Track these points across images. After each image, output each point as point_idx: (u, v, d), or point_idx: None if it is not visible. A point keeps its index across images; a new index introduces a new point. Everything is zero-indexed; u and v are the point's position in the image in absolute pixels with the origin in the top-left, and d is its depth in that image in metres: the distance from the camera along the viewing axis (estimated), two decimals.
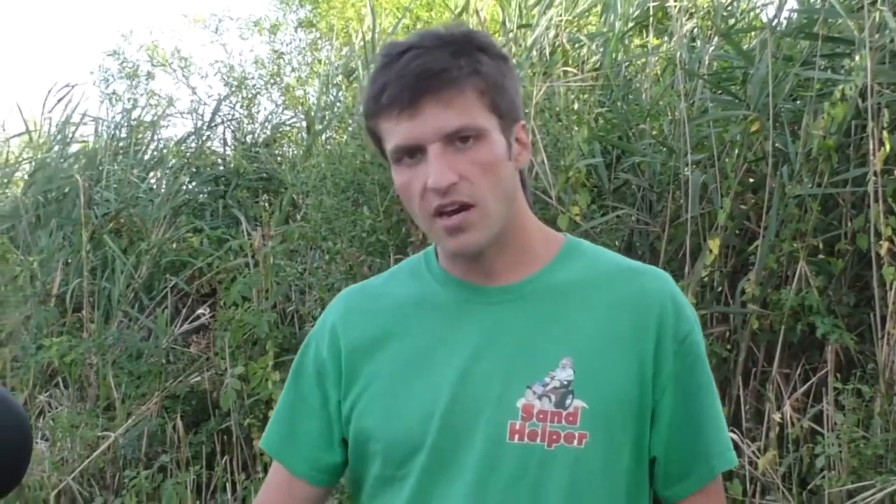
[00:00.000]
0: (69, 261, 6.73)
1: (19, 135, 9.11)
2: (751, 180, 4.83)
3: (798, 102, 4.84)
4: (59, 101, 8.54)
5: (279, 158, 7.65)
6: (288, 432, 1.72)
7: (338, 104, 7.60)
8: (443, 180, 1.50)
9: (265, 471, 5.26)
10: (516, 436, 1.56)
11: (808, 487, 4.11)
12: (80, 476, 5.63)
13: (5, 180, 8.61)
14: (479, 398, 1.57)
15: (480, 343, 1.59)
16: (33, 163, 8.38)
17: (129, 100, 9.72)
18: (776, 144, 4.59)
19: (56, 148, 8.28)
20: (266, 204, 6.22)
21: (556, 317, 1.60)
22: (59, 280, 6.57)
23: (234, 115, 8.39)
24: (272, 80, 9.41)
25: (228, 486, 5.35)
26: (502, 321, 1.60)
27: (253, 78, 9.34)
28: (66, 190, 7.54)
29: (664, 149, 5.10)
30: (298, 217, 6.29)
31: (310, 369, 1.71)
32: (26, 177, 8.35)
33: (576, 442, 1.55)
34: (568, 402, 1.55)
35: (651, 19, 6.48)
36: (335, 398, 1.67)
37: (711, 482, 1.65)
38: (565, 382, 1.56)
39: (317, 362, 1.70)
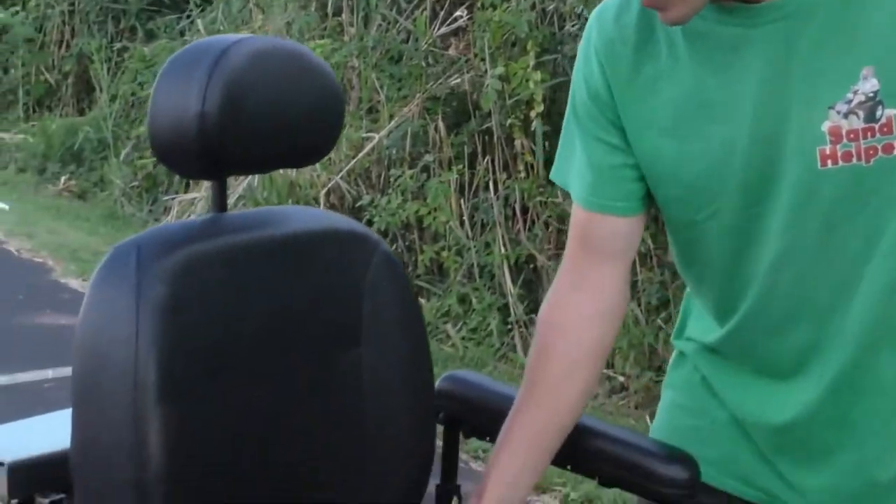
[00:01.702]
0: None
1: None
2: None
3: None
4: None
5: None
6: (572, 161, 1.61)
7: None
8: None
9: (527, 170, 5.32)
10: (828, 161, 1.44)
11: None
12: (348, 175, 5.84)
13: None
14: (780, 131, 1.45)
15: (766, 71, 1.46)
16: None
17: None
18: None
19: None
20: None
21: (844, 24, 1.44)
22: None
23: None
24: None
25: (490, 185, 5.44)
26: (786, 41, 1.46)
27: None
28: None
29: None
30: None
31: (584, 97, 1.58)
32: None
33: None
34: (878, 113, 1.43)
35: None
36: (617, 127, 1.57)
37: None
38: (871, 94, 1.43)
39: (590, 90, 1.57)
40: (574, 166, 1.60)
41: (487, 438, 1.75)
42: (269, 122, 1.42)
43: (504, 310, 5.31)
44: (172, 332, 1.32)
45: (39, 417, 1.68)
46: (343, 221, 1.61)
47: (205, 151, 1.36)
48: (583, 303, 1.59)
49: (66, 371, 4.86)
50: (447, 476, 1.78)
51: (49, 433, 1.54)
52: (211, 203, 1.49)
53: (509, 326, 5.25)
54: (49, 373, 4.69)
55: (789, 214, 1.47)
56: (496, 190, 5.46)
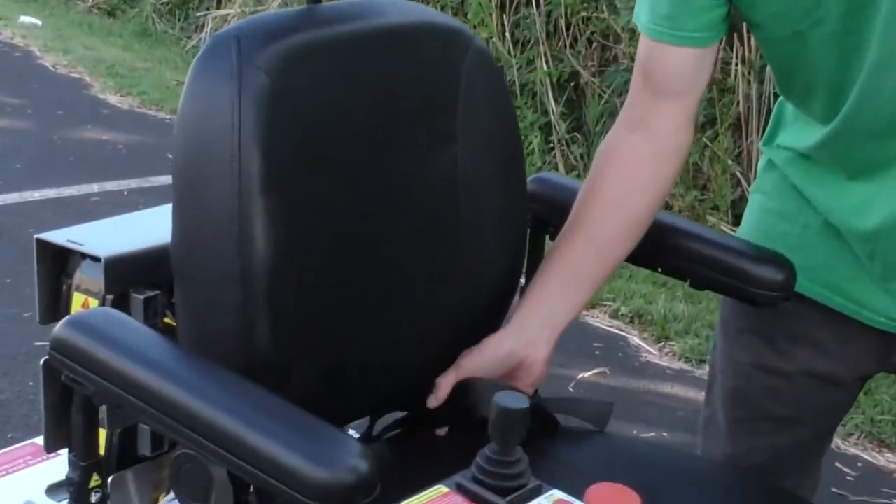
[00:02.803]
0: None
1: None
2: None
3: None
4: None
5: None
6: None
7: None
8: None
9: None
10: None
11: None
12: None
13: None
14: None
15: None
16: None
17: None
18: None
19: None
20: None
21: None
22: None
23: None
24: None
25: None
26: None
27: None
28: None
29: None
30: None
31: None
32: None
33: None
34: None
35: None
36: None
37: None
38: None
39: None
40: None
41: None
42: None
43: (546, 128, 5.27)
44: (275, 122, 1.29)
45: (136, 213, 1.66)
46: (438, 15, 1.56)
47: None
48: (639, 144, 1.55)
49: (111, 185, 4.85)
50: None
51: (145, 229, 1.53)
52: None
53: (551, 145, 5.22)
54: (94, 187, 4.70)
55: (892, 16, 1.41)
56: (538, 5, 5.35)
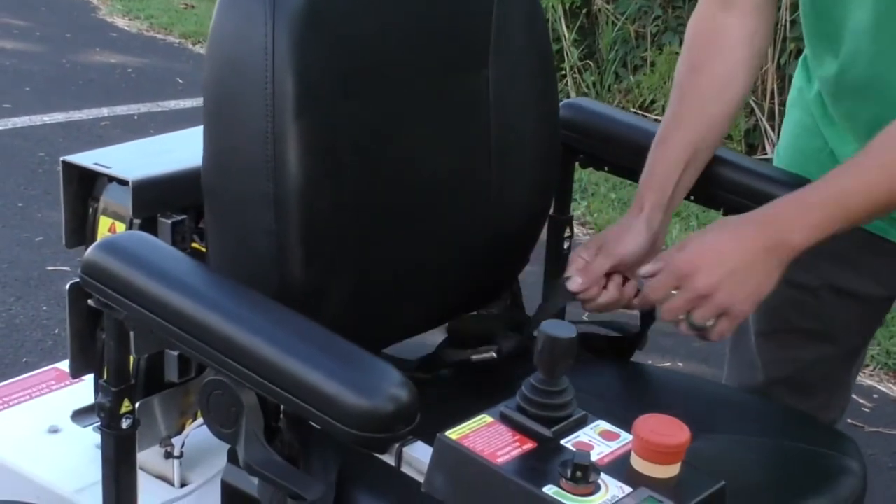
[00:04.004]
0: None
1: None
2: None
3: None
4: None
5: None
6: None
7: None
8: None
9: None
10: None
11: None
12: None
13: None
14: None
15: None
16: None
17: None
18: None
19: None
20: None
21: None
22: None
23: None
24: None
25: None
26: None
27: None
28: None
29: None
30: None
31: None
32: None
33: None
34: None
35: None
36: None
37: None
38: None
39: None
40: None
41: (606, 168, 1.72)
42: None
43: (558, 55, 5.21)
44: (309, 44, 1.25)
45: (163, 136, 1.64)
46: None
47: None
48: (733, 25, 1.53)
49: (121, 109, 4.81)
50: (560, 206, 1.75)
51: (174, 152, 1.50)
52: None
53: (563, 72, 5.16)
54: (104, 111, 4.66)
55: None
56: None
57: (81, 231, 1.51)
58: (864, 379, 3.10)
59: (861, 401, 2.99)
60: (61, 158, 1.49)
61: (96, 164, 1.47)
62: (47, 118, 4.52)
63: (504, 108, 1.48)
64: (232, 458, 1.33)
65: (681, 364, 3.10)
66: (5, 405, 1.72)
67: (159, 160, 1.49)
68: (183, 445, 1.56)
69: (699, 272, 1.35)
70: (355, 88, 1.32)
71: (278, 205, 1.27)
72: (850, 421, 2.87)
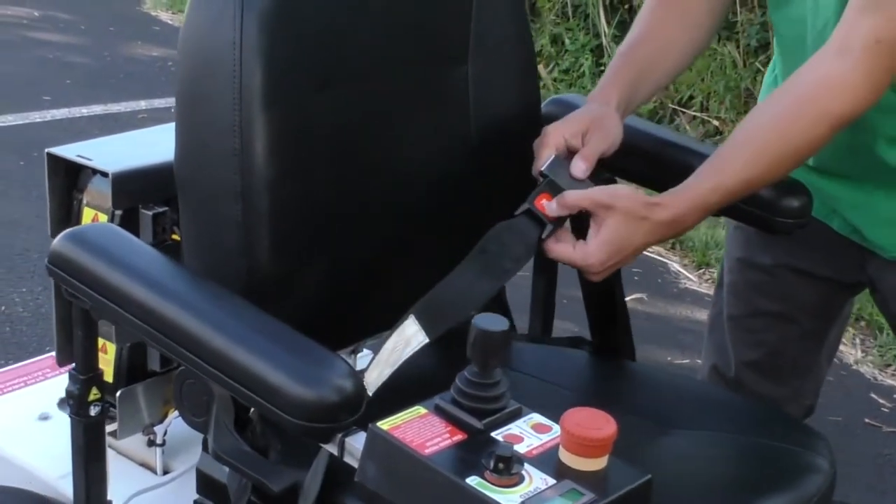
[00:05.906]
0: None
1: None
2: None
3: None
4: None
5: None
6: None
7: None
8: None
9: None
10: None
11: None
12: None
13: None
14: None
15: None
16: None
17: None
18: None
19: None
20: None
21: None
22: None
23: None
24: None
25: None
26: None
27: None
28: None
29: None
30: None
31: None
32: None
33: None
34: None
35: None
36: None
37: None
38: None
39: None
40: None
41: None
42: None
43: (597, 51, 5.20)
44: (277, 38, 1.27)
45: (143, 130, 1.66)
46: None
47: None
48: None
49: (159, 102, 4.85)
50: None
51: (156, 145, 1.52)
52: None
53: (602, 68, 5.14)
54: (142, 104, 4.72)
55: None
56: None
57: (67, 222, 1.53)
58: (885, 378, 3.07)
59: (881, 400, 2.96)
60: (46, 150, 1.52)
61: (79, 156, 1.49)
62: (85, 110, 4.58)
63: (484, 102, 1.49)
64: (206, 446, 1.35)
65: (700, 361, 3.08)
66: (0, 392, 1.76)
67: (142, 152, 1.51)
68: (165, 434, 1.58)
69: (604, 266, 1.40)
70: (328, 84, 1.33)
71: (246, 197, 1.29)
72: (867, 420, 2.85)
